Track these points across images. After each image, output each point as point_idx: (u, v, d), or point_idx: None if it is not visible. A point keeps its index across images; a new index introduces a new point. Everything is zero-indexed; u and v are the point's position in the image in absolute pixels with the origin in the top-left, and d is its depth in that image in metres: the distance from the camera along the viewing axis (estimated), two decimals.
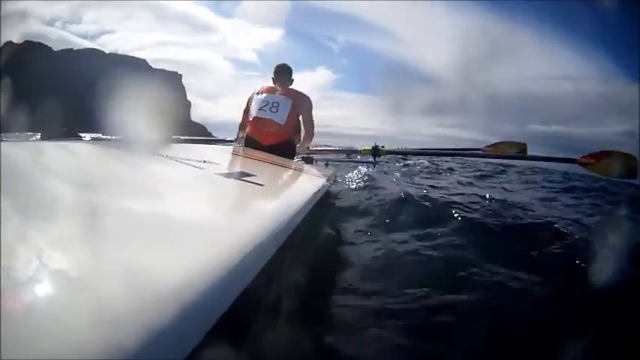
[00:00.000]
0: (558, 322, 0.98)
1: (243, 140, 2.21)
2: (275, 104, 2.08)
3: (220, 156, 1.51)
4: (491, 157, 3.03)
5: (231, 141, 2.57)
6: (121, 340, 0.23)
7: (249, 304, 0.40)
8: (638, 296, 1.11)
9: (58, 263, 0.31)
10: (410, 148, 3.05)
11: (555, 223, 1.86)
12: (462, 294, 1.08)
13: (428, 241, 1.52)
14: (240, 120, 2.37)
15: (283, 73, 2.33)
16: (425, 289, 1.06)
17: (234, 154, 1.80)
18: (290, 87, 2.30)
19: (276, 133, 2.06)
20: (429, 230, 1.74)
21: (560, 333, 0.92)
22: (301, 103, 2.19)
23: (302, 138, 2.33)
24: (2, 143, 0.70)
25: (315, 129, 2.33)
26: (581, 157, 2.31)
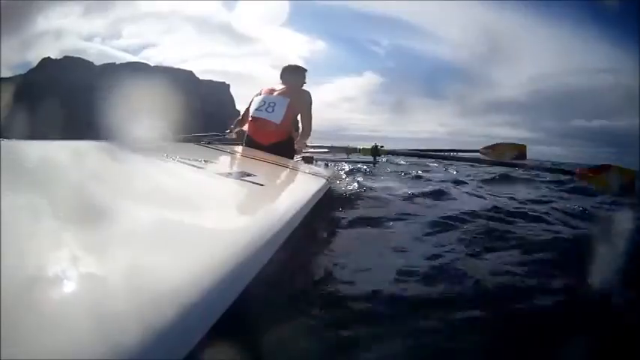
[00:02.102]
0: (558, 321, 0.98)
1: (238, 135, 2.34)
2: (271, 104, 2.16)
3: (220, 156, 1.51)
4: (488, 164, 2.97)
5: (219, 134, 2.59)
6: (120, 339, 0.23)
7: (249, 304, 0.40)
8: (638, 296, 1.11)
9: (57, 263, 0.31)
10: (411, 149, 2.97)
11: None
12: (462, 293, 1.08)
13: (432, 241, 1.52)
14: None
15: (288, 74, 2.37)
16: (426, 290, 1.05)
17: (235, 153, 1.80)
18: (294, 85, 2.30)
19: (274, 132, 2.12)
20: (432, 229, 1.74)
21: (560, 333, 0.92)
22: (299, 100, 2.21)
23: (299, 135, 2.33)
24: (3, 142, 0.70)
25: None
26: (580, 171, 2.30)
